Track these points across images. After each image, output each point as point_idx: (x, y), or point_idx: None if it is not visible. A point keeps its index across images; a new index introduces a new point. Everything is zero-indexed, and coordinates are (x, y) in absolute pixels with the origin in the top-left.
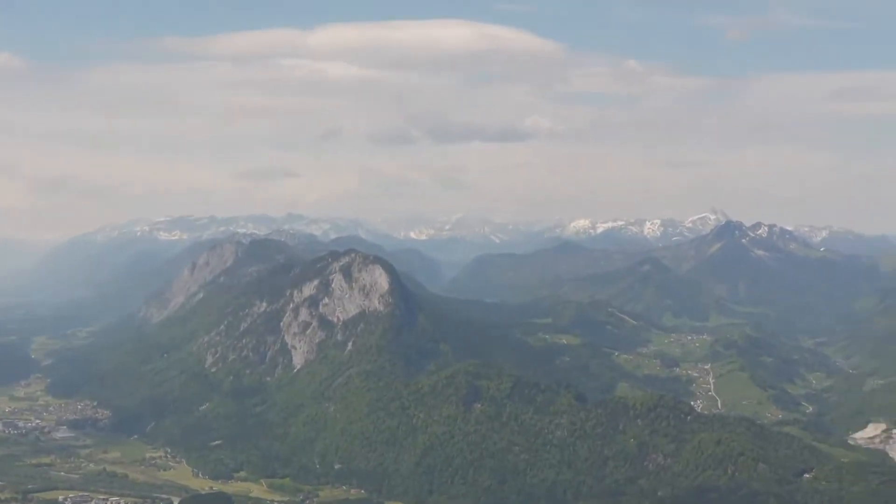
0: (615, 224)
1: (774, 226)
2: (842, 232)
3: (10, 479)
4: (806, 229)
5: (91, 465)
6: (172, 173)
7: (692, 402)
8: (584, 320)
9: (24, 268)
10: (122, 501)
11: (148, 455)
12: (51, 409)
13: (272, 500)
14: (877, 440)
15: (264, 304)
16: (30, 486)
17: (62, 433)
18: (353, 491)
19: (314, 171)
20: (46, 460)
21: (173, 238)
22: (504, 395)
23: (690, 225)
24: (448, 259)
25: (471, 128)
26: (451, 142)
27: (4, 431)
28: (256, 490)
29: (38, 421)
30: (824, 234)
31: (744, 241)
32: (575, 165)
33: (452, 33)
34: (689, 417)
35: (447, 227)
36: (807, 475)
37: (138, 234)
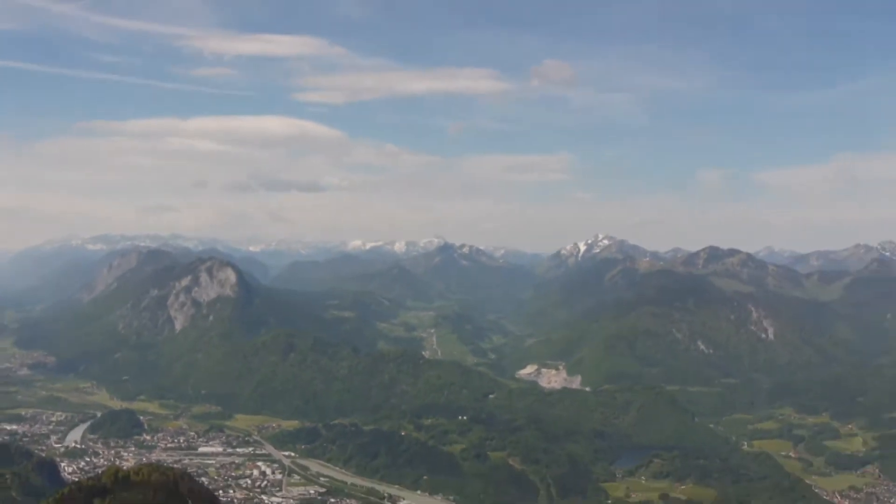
0: (377, 244)
1: (473, 246)
2: (513, 250)
3: None
4: (492, 248)
5: (43, 392)
6: (97, 208)
7: (423, 353)
8: (358, 302)
9: None
10: (63, 415)
11: (80, 386)
12: (16, 356)
13: (165, 415)
14: (531, 375)
15: (156, 291)
16: (3, 406)
17: (24, 372)
18: (212, 407)
19: (189, 208)
20: (13, 389)
21: (96, 248)
22: (308, 348)
23: (423, 245)
24: (274, 264)
25: (290, 182)
26: (278, 191)
27: None
28: (151, 407)
29: (7, 364)
30: (502, 251)
31: (455, 255)
32: (354, 208)
33: (277, 123)
34: (421, 362)
35: (273, 244)
36: (491, 395)
37: (73, 245)
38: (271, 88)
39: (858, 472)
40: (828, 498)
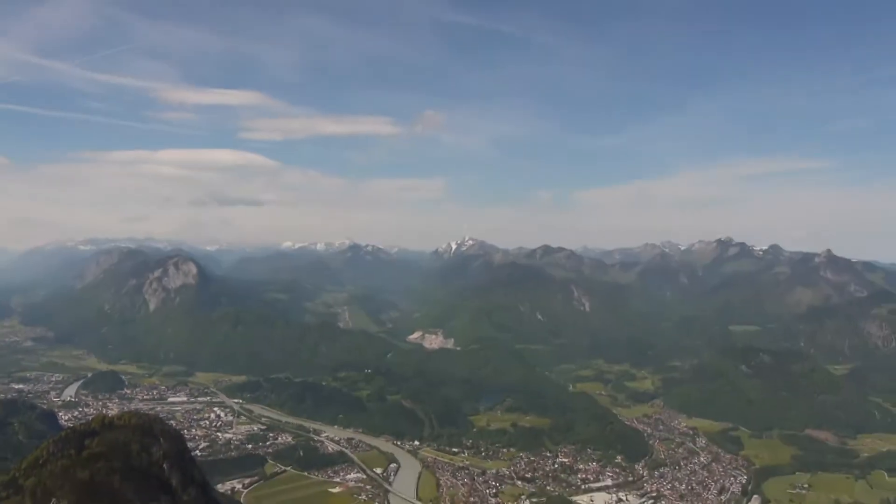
0: (304, 244)
1: (374, 245)
2: (404, 248)
3: (3, 366)
4: (388, 247)
5: (44, 358)
6: (87, 218)
7: (339, 324)
8: (289, 288)
9: (5, 264)
10: (60, 376)
11: (74, 353)
12: (21, 331)
13: (141, 374)
14: (418, 339)
15: (134, 280)
16: (11, 370)
17: (28, 343)
18: (178, 367)
19: (160, 218)
20: (20, 356)
21: (87, 248)
22: (251, 322)
23: (338, 245)
24: (225, 260)
25: (237, 199)
26: (228, 205)
27: None
28: (130, 368)
29: (15, 337)
30: (396, 249)
31: (361, 252)
32: (286, 217)
33: (227, 155)
34: (337, 330)
35: (225, 245)
36: (388, 354)
37: (68, 246)
38: (222, 129)
39: (649, 404)
40: (628, 423)
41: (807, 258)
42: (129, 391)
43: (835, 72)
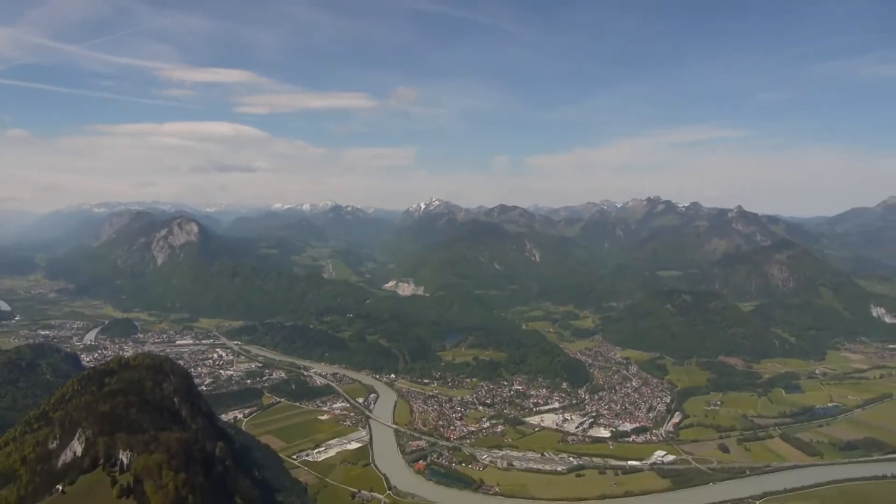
0: (292, 205)
1: (354, 206)
2: (380, 208)
3: (31, 315)
4: (366, 207)
5: (66, 308)
6: (101, 184)
7: (323, 274)
8: (279, 244)
9: (30, 225)
10: (81, 323)
11: (92, 303)
12: (46, 284)
13: (152, 321)
14: (393, 287)
15: (143, 239)
16: (38, 318)
17: (52, 295)
18: (184, 315)
19: (165, 184)
20: (45, 307)
21: (101, 211)
22: (247, 273)
23: (321, 206)
24: (223, 220)
25: (233, 166)
26: (225, 172)
27: (27, 294)
28: (143, 316)
29: (40, 290)
30: (373, 209)
31: (342, 213)
32: (276, 182)
33: (223, 127)
34: (322, 280)
35: (223, 207)
36: (367, 300)
37: (84, 209)
38: (219, 104)
39: (590, 339)
40: (572, 355)
41: (721, 213)
42: (141, 335)
43: (751, 53)
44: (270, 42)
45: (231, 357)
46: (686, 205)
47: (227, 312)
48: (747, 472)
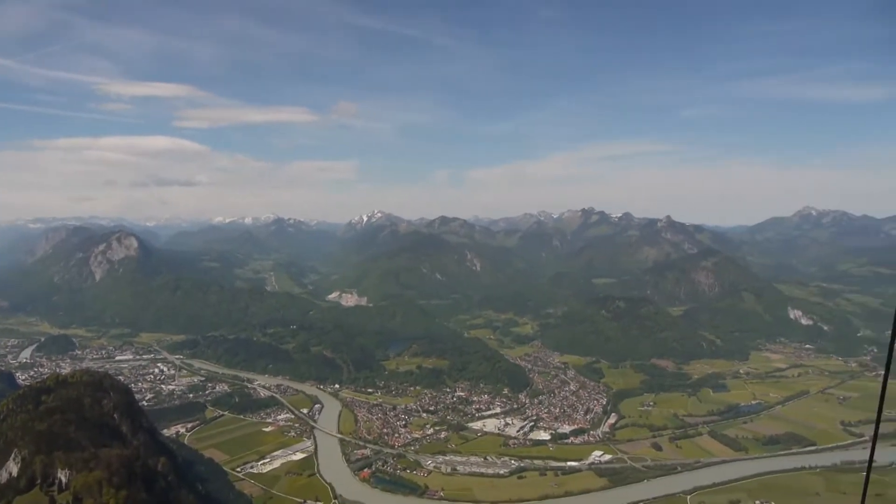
0: (234, 219)
1: (296, 218)
2: (322, 221)
3: None
4: (308, 219)
5: (1, 326)
6: (39, 199)
7: (266, 287)
8: (221, 257)
9: None
10: (16, 341)
11: (28, 320)
12: None
13: (90, 337)
14: (336, 298)
15: (80, 254)
16: None
17: None
18: (124, 330)
19: (104, 198)
20: None
21: (37, 227)
22: (189, 287)
23: (264, 219)
24: (163, 234)
25: (173, 180)
26: (165, 186)
27: None
28: (80, 332)
29: None
30: (315, 221)
31: (284, 225)
32: (217, 196)
33: (163, 141)
34: (265, 292)
35: (163, 221)
36: (311, 312)
37: (19, 224)
38: (158, 118)
39: (529, 345)
40: (513, 361)
41: (651, 223)
42: (79, 352)
43: (674, 71)
44: (210, 56)
45: (173, 371)
46: (619, 215)
47: (169, 327)
48: (679, 468)
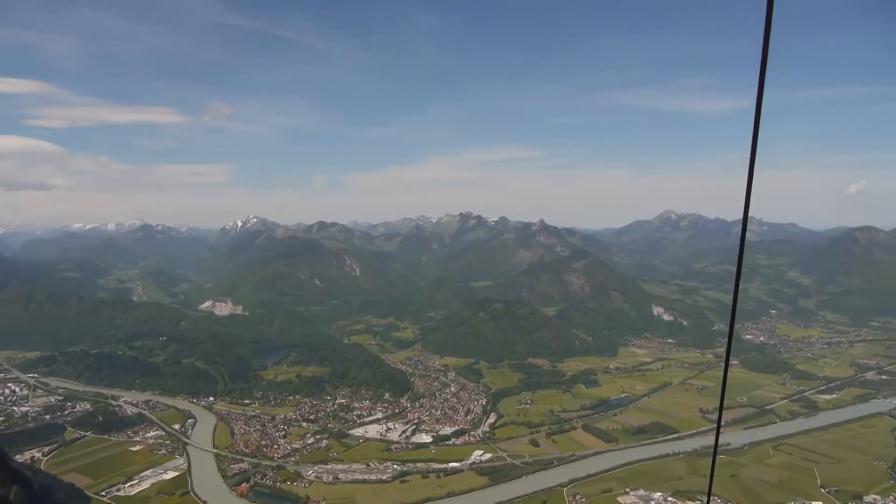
0: (95, 225)
1: (164, 224)
2: (193, 226)
3: None
4: (179, 225)
5: None
6: None
7: (132, 297)
8: (81, 266)
9: None
10: None
11: None
12: None
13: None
14: (210, 307)
15: None
16: None
17: None
18: None
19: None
20: None
21: None
22: (43, 300)
23: (129, 225)
24: (13, 243)
25: (25, 183)
26: (15, 190)
27: None
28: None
29: None
30: (185, 227)
31: (152, 231)
32: (78, 201)
33: (12, 141)
34: (131, 303)
35: (12, 228)
36: (182, 322)
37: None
38: (6, 116)
39: (410, 349)
40: (394, 365)
41: (526, 227)
42: None
43: (542, 81)
44: (65, 50)
45: (26, 392)
46: (495, 219)
47: (21, 343)
48: (555, 462)
